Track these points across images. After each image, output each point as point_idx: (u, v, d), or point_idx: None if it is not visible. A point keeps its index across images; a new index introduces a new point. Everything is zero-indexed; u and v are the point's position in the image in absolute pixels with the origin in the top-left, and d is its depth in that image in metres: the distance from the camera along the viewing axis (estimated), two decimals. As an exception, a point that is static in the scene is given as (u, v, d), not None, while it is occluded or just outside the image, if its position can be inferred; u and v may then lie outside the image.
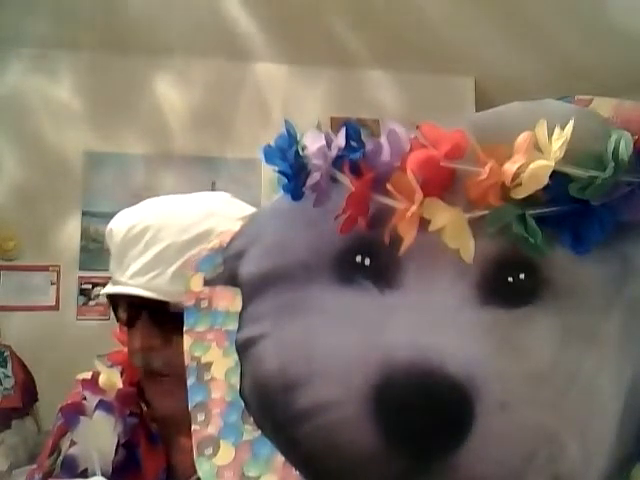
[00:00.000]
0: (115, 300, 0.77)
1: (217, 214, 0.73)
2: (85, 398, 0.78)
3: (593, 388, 0.43)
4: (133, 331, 0.75)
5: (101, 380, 0.79)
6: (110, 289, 0.75)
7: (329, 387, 0.45)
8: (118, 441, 0.75)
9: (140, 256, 0.72)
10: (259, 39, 2.96)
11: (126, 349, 0.80)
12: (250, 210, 0.75)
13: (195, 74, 3.23)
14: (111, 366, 0.81)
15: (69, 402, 0.78)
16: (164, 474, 0.77)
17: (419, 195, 0.43)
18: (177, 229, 0.72)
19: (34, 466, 0.78)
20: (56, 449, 0.76)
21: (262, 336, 0.51)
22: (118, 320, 0.78)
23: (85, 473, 0.73)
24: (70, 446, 0.75)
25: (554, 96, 0.51)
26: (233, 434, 0.52)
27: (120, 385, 0.80)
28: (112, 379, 0.80)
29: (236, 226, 0.62)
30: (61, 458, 0.75)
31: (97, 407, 0.76)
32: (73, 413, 0.76)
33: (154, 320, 0.72)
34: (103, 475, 0.71)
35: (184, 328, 0.57)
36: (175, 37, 2.92)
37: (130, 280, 0.72)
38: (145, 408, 0.80)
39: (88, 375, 0.81)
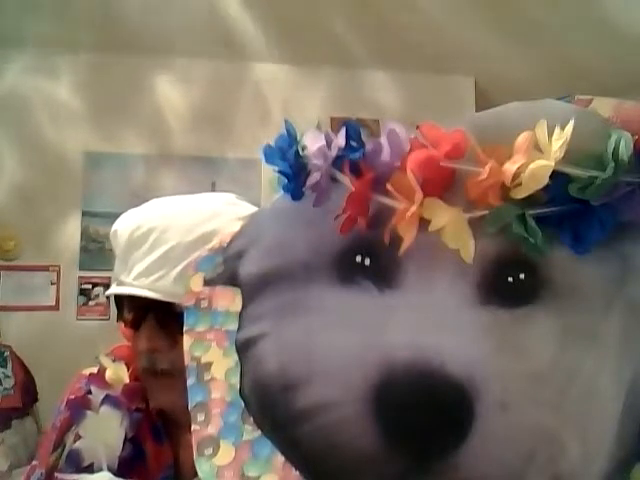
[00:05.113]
0: (120, 301, 0.77)
1: (222, 215, 0.73)
2: (90, 392, 0.77)
3: (593, 388, 0.43)
4: (138, 333, 0.74)
5: (108, 375, 0.79)
6: (115, 290, 0.75)
7: (329, 387, 0.45)
8: (125, 436, 0.74)
9: (145, 257, 0.72)
10: (259, 39, 2.95)
11: (131, 343, 0.79)
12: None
13: (195, 74, 3.22)
14: (114, 361, 0.81)
15: (73, 397, 0.78)
16: (171, 470, 0.76)
17: (419, 195, 0.43)
18: (183, 230, 0.71)
19: (35, 462, 0.77)
20: (61, 444, 0.75)
21: (262, 336, 0.51)
22: (123, 321, 0.78)
23: (90, 468, 0.72)
24: (75, 440, 0.74)
25: (554, 96, 0.51)
26: (233, 434, 0.51)
27: (126, 380, 0.80)
28: (118, 374, 0.80)
29: (237, 226, 0.62)
30: (66, 452, 0.74)
31: (104, 402, 0.76)
32: (79, 407, 0.76)
33: (159, 321, 0.72)
34: (109, 470, 0.71)
35: (184, 328, 0.57)
36: (175, 37, 2.92)
37: (135, 281, 0.72)
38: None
39: (94, 370, 0.80)
